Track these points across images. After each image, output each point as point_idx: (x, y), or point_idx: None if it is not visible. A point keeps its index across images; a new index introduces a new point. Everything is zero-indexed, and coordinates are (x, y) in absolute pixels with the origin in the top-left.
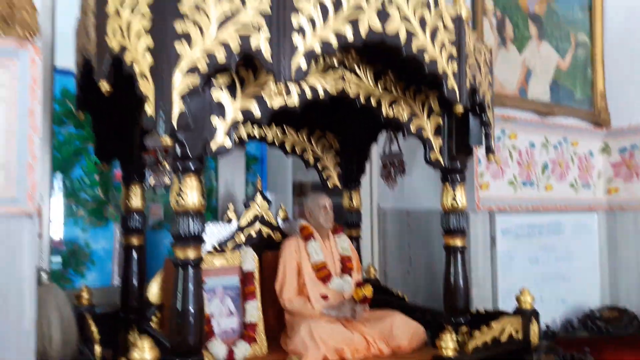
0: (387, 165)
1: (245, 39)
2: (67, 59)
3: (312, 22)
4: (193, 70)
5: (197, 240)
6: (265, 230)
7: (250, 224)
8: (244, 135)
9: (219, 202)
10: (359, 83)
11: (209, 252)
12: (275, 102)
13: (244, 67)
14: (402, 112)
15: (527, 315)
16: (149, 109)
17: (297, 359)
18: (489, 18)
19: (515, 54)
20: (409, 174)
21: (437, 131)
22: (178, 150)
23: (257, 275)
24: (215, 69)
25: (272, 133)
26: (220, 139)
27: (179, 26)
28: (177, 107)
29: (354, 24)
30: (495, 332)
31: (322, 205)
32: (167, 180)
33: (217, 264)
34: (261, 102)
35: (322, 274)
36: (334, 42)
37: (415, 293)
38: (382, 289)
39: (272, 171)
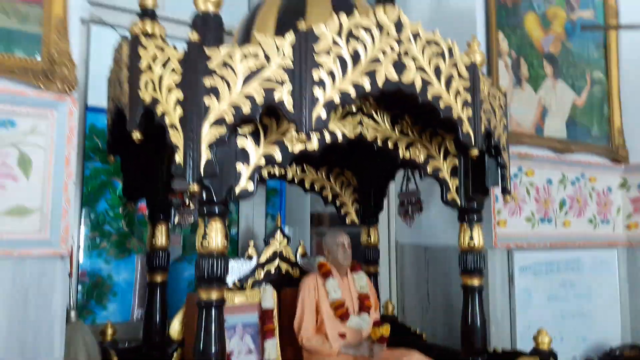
0: (405, 203)
1: (269, 92)
2: (96, 98)
3: (332, 75)
4: (220, 121)
5: (220, 281)
6: (284, 267)
7: (270, 260)
8: (265, 174)
9: (239, 235)
10: (376, 127)
11: (230, 289)
12: (296, 147)
13: (267, 116)
14: (418, 154)
15: (544, 356)
16: (179, 157)
17: None
18: (504, 59)
19: (531, 93)
20: (427, 209)
21: (454, 172)
22: (204, 195)
23: (275, 313)
24: (241, 119)
25: (292, 171)
26: (244, 183)
27: (208, 81)
28: (205, 156)
29: (372, 75)
30: None
31: (341, 242)
32: (191, 220)
33: (237, 302)
34: (283, 147)
35: (340, 312)
36: (353, 92)
37: (433, 329)
38: (400, 326)
39: (290, 203)
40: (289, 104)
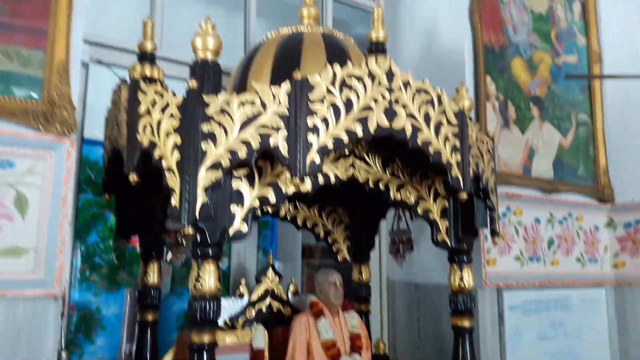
0: (396, 242)
1: (264, 138)
2: (90, 130)
3: (326, 122)
4: (217, 165)
5: (212, 324)
6: (276, 305)
7: (261, 299)
8: (258, 212)
9: (230, 270)
10: (368, 169)
11: (221, 329)
12: (290, 189)
13: (262, 158)
14: (409, 196)
15: None
16: (175, 200)
17: None
18: (492, 101)
19: (519, 134)
20: (418, 246)
21: (444, 213)
22: (198, 237)
23: (266, 353)
24: (237, 164)
25: (284, 208)
26: (238, 224)
27: (206, 127)
28: (201, 199)
29: (364, 121)
30: None
31: (332, 281)
32: (184, 259)
33: (229, 342)
34: (277, 189)
35: (332, 352)
36: (345, 138)
37: None
38: None
39: (282, 235)
40: (283, 149)
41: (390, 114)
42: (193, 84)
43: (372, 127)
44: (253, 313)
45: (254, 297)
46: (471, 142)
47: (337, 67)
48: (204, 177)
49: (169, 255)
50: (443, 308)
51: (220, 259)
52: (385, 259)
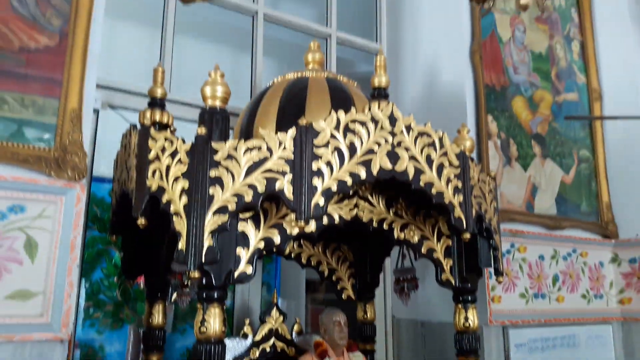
0: (400, 280)
1: (270, 181)
2: (96, 168)
3: (330, 165)
4: (223, 209)
5: None
6: (280, 345)
7: (265, 339)
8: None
9: (234, 308)
10: (372, 209)
11: None
12: (294, 230)
13: (268, 201)
14: (413, 235)
15: None
16: (181, 244)
17: None
18: (493, 140)
19: (521, 172)
20: (423, 284)
21: (447, 253)
22: (203, 280)
23: None
24: (244, 207)
25: (288, 247)
26: (243, 267)
27: (213, 172)
28: (207, 243)
29: (367, 164)
30: None
31: (337, 321)
32: (189, 300)
33: None
34: (282, 230)
35: None
36: (349, 181)
37: None
38: None
39: (285, 270)
40: (289, 192)
41: (393, 156)
42: (202, 130)
43: (375, 170)
44: (257, 353)
45: (258, 337)
46: (473, 182)
47: (341, 113)
48: (211, 221)
49: (174, 296)
50: (449, 346)
51: (225, 301)
52: (390, 296)
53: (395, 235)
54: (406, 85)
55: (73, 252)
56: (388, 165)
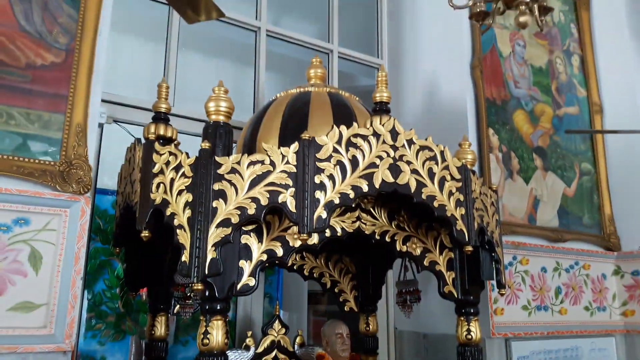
0: (402, 293)
1: (273, 194)
2: (99, 179)
3: (332, 179)
4: (226, 222)
5: None
6: (282, 357)
7: (268, 351)
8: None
9: (237, 320)
10: (374, 222)
11: None
12: (297, 242)
13: (270, 214)
14: (415, 248)
15: None
16: (185, 257)
17: None
18: (495, 153)
19: (523, 184)
20: (425, 296)
21: (450, 265)
22: (206, 292)
23: None
24: (247, 220)
25: (291, 259)
26: (245, 279)
27: (217, 185)
28: (210, 255)
29: (369, 177)
30: None
31: (339, 333)
32: (191, 312)
33: None
34: (284, 243)
35: None
36: (352, 194)
37: None
38: None
39: (287, 281)
40: (291, 205)
41: (394, 170)
42: (206, 144)
43: (377, 183)
44: None
45: (260, 349)
46: (475, 195)
47: (343, 127)
48: (214, 233)
49: (177, 308)
50: (451, 358)
51: (228, 313)
52: (393, 308)
53: (398, 248)
54: (407, 100)
55: (77, 265)
56: (390, 178)
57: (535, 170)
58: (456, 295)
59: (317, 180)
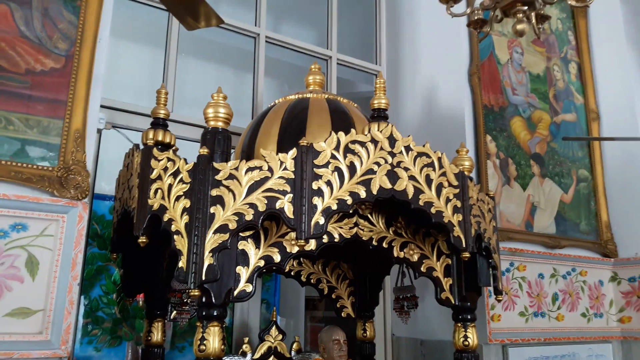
0: (400, 299)
1: (271, 200)
2: (97, 185)
3: (330, 185)
4: (224, 228)
5: None
6: None
7: (264, 357)
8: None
9: (233, 326)
10: (371, 228)
11: None
12: (294, 248)
13: (268, 220)
14: (412, 254)
15: None
16: (182, 263)
17: None
18: (492, 159)
19: (520, 191)
20: (422, 302)
21: (447, 271)
22: (203, 298)
23: None
24: (244, 226)
25: (288, 265)
26: (242, 285)
27: (215, 191)
28: (207, 261)
29: (367, 184)
30: None
31: (336, 339)
32: (188, 317)
33: None
34: (282, 249)
35: None
36: (349, 200)
37: None
38: None
39: (285, 287)
40: (289, 211)
41: (392, 176)
42: (204, 150)
43: (374, 189)
44: None
45: (257, 355)
46: (472, 202)
47: (341, 133)
48: (211, 239)
49: (174, 314)
50: None
51: (225, 320)
52: (390, 315)
53: (395, 254)
54: (405, 106)
55: (74, 270)
56: (388, 184)
57: (533, 177)
58: (453, 302)
59: (314, 186)
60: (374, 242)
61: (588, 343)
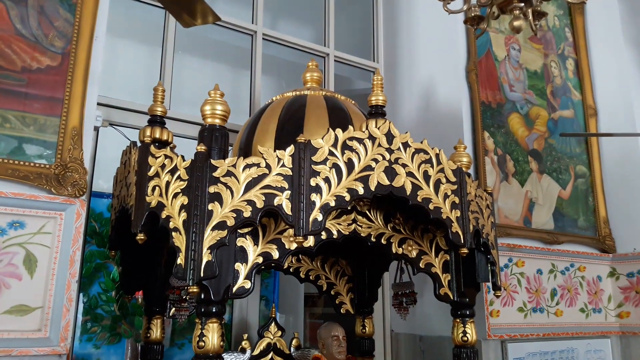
0: (398, 295)
1: (269, 197)
2: (95, 182)
3: (328, 181)
4: (222, 225)
5: None
6: None
7: (263, 353)
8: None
9: (232, 323)
10: (370, 224)
11: None
12: (293, 245)
13: (266, 216)
14: (411, 250)
15: None
16: (180, 259)
17: None
18: (490, 156)
19: (518, 187)
20: (421, 298)
21: (445, 267)
22: (202, 294)
23: None
24: (242, 223)
25: (287, 261)
26: (241, 282)
27: (212, 188)
28: (206, 258)
29: (365, 180)
30: None
31: (335, 336)
32: (187, 315)
33: None
34: (280, 245)
35: None
36: (347, 196)
37: None
38: None
39: (284, 283)
40: (287, 207)
41: (390, 173)
42: (201, 148)
43: (372, 186)
44: None
45: (256, 351)
46: (470, 198)
47: (339, 130)
48: (210, 236)
49: (172, 311)
50: None
51: (224, 316)
52: (389, 311)
53: (394, 250)
54: (403, 103)
55: (72, 268)
56: (386, 181)
57: (531, 173)
58: (452, 297)
59: (312, 183)
60: (373, 239)
61: (587, 338)
